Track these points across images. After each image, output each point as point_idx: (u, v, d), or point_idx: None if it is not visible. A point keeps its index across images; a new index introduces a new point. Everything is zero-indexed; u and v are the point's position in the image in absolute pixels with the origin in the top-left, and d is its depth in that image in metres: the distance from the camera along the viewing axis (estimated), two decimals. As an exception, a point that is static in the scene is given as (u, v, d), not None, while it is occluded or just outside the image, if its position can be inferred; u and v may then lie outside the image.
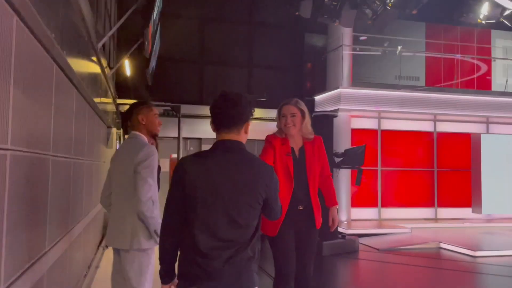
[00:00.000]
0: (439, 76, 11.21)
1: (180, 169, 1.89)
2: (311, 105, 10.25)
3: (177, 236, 1.88)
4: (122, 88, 9.97)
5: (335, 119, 7.69)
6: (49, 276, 2.40)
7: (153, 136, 2.94)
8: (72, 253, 3.28)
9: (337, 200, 3.23)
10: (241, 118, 1.91)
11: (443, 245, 7.72)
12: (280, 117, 3.12)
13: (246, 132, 1.96)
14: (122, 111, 9.55)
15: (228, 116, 1.89)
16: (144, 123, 2.85)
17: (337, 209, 3.19)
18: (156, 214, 2.68)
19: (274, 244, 3.04)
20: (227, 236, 1.82)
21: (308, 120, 3.09)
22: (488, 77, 11.75)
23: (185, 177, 1.85)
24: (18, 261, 1.83)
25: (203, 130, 10.54)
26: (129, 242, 2.66)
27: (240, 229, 1.84)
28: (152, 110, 2.90)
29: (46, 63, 2.26)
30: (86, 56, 4.10)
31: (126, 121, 2.89)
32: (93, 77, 4.80)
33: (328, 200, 3.24)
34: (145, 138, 2.85)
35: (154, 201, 2.68)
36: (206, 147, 10.61)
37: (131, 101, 10.03)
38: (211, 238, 1.81)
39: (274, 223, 2.90)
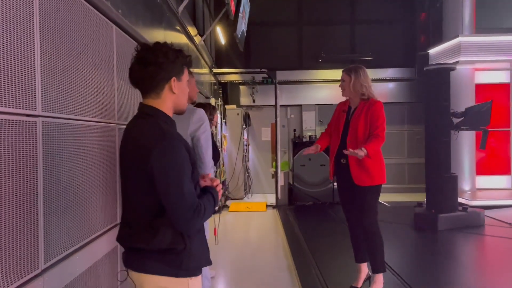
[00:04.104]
0: None
1: None
2: (425, 60, 9.03)
3: None
4: (219, 57, 9.95)
5: (454, 74, 6.52)
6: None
7: (192, 103, 2.70)
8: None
9: (371, 149, 3.16)
10: (155, 79, 1.57)
11: None
12: None
13: (174, 92, 1.61)
14: (222, 81, 9.56)
15: (137, 79, 1.59)
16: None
17: (366, 154, 3.13)
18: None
19: None
20: (124, 215, 1.66)
21: (354, 83, 3.37)
22: None
23: None
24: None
25: (304, 96, 10.16)
26: None
27: (134, 210, 1.61)
28: (193, 76, 2.65)
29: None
30: (163, 23, 3.96)
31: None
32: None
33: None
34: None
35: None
36: (308, 114, 10.30)
37: (227, 70, 9.87)
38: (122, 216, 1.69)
39: (330, 166, 3.51)
